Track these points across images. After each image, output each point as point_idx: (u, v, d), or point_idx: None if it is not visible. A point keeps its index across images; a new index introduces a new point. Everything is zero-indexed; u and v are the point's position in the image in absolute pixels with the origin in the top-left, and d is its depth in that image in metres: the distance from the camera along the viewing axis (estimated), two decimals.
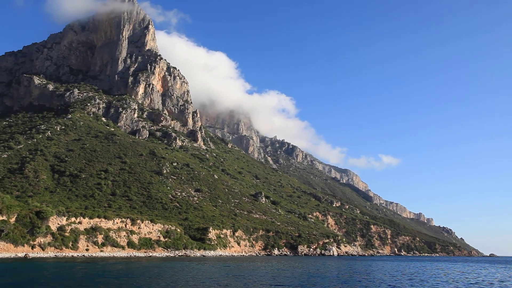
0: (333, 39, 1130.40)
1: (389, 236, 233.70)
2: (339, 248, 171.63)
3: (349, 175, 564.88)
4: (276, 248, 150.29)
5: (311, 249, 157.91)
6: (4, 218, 75.27)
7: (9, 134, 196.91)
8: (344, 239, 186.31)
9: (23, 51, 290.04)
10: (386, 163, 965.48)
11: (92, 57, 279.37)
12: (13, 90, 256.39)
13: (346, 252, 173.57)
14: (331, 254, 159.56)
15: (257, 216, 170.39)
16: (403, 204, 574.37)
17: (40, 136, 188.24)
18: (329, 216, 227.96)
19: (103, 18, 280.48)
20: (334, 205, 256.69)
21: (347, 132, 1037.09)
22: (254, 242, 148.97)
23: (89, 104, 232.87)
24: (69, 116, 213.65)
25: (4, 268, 54.63)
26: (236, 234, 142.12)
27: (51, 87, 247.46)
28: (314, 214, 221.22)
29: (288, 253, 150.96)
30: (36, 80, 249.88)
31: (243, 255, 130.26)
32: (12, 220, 76.72)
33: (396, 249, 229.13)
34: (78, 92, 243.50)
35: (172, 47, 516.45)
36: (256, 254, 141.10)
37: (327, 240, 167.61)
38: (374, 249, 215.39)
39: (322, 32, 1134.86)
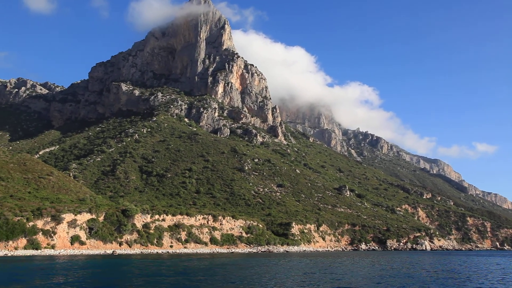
0: (411, 30, 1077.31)
1: (488, 229, 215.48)
2: (432, 242, 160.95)
3: (439, 165, 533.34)
4: (363, 243, 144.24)
5: (401, 244, 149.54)
6: (94, 216, 78.62)
7: (102, 139, 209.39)
8: (437, 233, 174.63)
9: (111, 61, 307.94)
10: (481, 151, 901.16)
11: (173, 61, 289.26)
12: (104, 98, 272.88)
13: (440, 247, 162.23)
14: (424, 248, 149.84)
15: (342, 210, 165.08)
16: (503, 195, 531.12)
17: (129, 139, 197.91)
18: (419, 209, 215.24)
19: (181, 22, 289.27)
20: (424, 197, 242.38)
21: (436, 121, 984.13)
22: (339, 236, 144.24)
23: (172, 106, 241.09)
24: (154, 118, 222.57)
25: (95, 264, 56.37)
26: (321, 229, 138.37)
27: (137, 92, 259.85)
28: (403, 206, 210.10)
29: (376, 247, 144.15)
30: (124, 87, 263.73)
31: (329, 251, 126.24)
32: (101, 218, 79.96)
33: (498, 243, 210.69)
34: (162, 96, 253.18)
35: (250, 45, 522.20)
36: (342, 249, 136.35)
37: (419, 234, 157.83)
38: (472, 243, 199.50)
39: (402, 25, 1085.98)
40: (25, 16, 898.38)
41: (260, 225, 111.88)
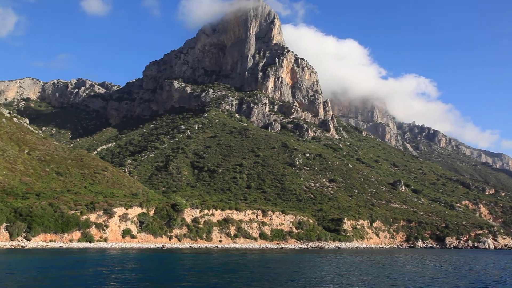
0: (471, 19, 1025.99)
1: None
2: (496, 240, 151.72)
3: (503, 159, 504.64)
4: (420, 240, 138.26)
5: (461, 241, 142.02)
6: (144, 211, 79.82)
7: (155, 135, 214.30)
8: (501, 231, 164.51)
9: (164, 59, 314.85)
10: None
11: (224, 57, 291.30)
12: (158, 96, 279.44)
13: (505, 245, 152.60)
14: (486, 247, 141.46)
15: (397, 205, 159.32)
16: None
17: (181, 135, 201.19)
18: (481, 205, 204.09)
19: (231, 18, 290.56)
20: (486, 193, 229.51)
21: (499, 112, 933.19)
22: (394, 233, 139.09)
23: (223, 102, 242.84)
24: (206, 115, 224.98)
25: (146, 257, 56.88)
26: (374, 225, 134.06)
27: (188, 89, 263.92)
28: (463, 202, 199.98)
29: (434, 245, 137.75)
30: (176, 84, 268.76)
31: (383, 247, 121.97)
32: (151, 212, 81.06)
33: None
34: (213, 92, 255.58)
35: (300, 39, 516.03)
36: (397, 246, 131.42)
37: (481, 232, 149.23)
38: None
39: (459, 15, 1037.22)
40: (82, 19, 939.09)
41: (311, 221, 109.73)
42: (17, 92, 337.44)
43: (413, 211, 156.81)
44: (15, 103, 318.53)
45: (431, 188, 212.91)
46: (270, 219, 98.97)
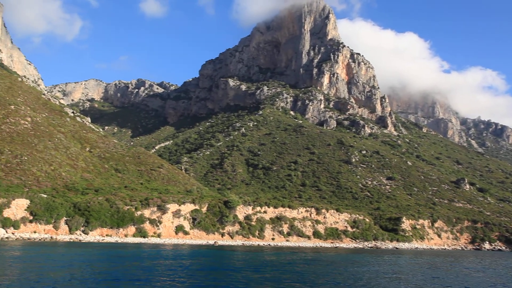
0: None
1: None
2: None
3: None
4: (487, 242, 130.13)
5: None
6: (197, 207, 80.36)
7: (211, 133, 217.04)
8: None
9: (219, 58, 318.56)
10: None
11: (278, 54, 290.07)
12: (213, 94, 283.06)
13: None
14: None
15: (460, 205, 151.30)
16: None
17: (236, 133, 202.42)
18: None
19: (285, 14, 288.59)
20: None
21: None
22: (458, 234, 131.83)
23: (277, 100, 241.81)
24: (260, 112, 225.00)
25: (199, 253, 57.03)
26: (436, 225, 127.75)
27: (243, 87, 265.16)
28: None
29: (503, 247, 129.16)
30: (231, 82, 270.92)
31: (445, 249, 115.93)
32: (204, 209, 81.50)
33: None
34: (267, 89, 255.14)
35: (356, 34, 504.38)
36: (461, 248, 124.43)
37: None
38: None
39: None
40: (142, 21, 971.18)
41: (367, 219, 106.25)
42: (83, 93, 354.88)
43: (478, 211, 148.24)
44: (80, 104, 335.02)
45: (499, 187, 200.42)
46: (324, 217, 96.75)
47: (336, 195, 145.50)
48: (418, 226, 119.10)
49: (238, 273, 37.53)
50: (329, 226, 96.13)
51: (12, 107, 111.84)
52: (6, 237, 58.56)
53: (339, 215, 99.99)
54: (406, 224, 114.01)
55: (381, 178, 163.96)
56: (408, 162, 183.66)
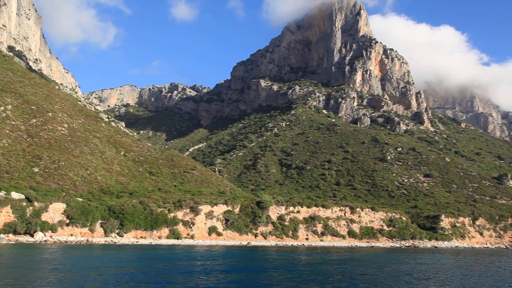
0: None
1: None
2: None
3: None
4: None
5: None
6: (229, 208, 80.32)
7: (244, 134, 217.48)
8: None
9: (250, 59, 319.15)
10: None
11: (309, 53, 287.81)
12: (245, 95, 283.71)
13: None
14: None
15: (504, 201, 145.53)
16: None
17: (268, 133, 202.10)
18: None
19: (315, 13, 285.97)
20: None
21: None
22: (501, 232, 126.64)
23: (309, 99, 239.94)
24: (292, 112, 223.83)
25: (233, 254, 56.87)
26: (477, 222, 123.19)
27: (275, 87, 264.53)
28: None
29: None
30: (263, 83, 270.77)
31: (487, 247, 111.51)
32: (236, 210, 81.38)
33: None
34: (299, 89, 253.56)
35: (389, 29, 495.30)
36: (506, 246, 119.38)
37: None
38: None
39: None
40: (172, 26, 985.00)
41: (404, 218, 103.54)
42: (118, 98, 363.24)
43: None
44: (116, 109, 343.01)
45: None
46: (359, 216, 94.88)
47: (371, 194, 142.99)
48: (458, 224, 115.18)
49: (273, 273, 37.07)
50: (364, 225, 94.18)
51: (50, 114, 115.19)
52: (44, 240, 60.11)
53: (374, 213, 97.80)
54: (445, 222, 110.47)
55: (418, 175, 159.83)
56: (446, 158, 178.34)
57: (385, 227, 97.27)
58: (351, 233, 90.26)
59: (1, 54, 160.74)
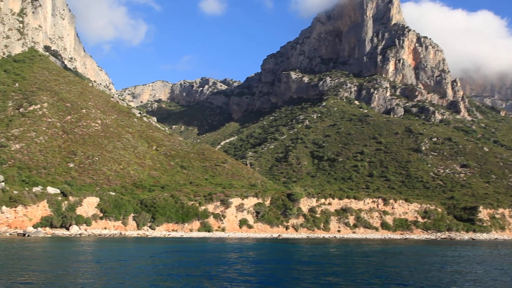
0: None
1: None
2: None
3: None
4: None
5: None
6: (260, 201, 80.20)
7: (275, 127, 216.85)
8: None
9: (280, 51, 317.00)
10: None
11: (340, 44, 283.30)
12: (276, 88, 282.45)
13: None
14: None
15: None
16: None
17: (300, 125, 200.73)
18: None
19: (346, 2, 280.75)
20: None
21: None
22: None
23: (341, 90, 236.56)
24: (324, 103, 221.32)
25: (264, 246, 56.77)
26: None
27: (306, 79, 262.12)
28: None
29: None
30: (293, 75, 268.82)
31: None
32: (267, 202, 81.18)
33: None
34: (330, 80, 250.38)
35: (423, 16, 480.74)
36: None
37: None
38: None
39: None
40: (202, 20, 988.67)
41: (439, 209, 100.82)
42: (150, 94, 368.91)
43: None
44: (149, 105, 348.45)
45: None
46: (392, 208, 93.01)
47: (405, 185, 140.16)
48: (497, 216, 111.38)
49: (304, 266, 36.65)
50: (397, 217, 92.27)
51: (84, 111, 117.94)
52: (79, 234, 61.63)
53: (408, 205, 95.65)
54: (483, 213, 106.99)
55: (455, 166, 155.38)
56: (484, 148, 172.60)
57: (420, 219, 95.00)
58: (384, 225, 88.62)
59: (37, 54, 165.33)
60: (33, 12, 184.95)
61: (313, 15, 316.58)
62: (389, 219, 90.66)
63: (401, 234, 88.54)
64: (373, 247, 61.25)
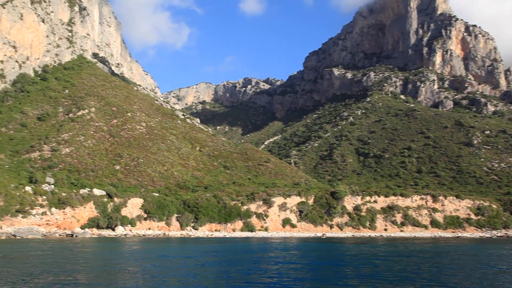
0: None
1: None
2: None
3: None
4: None
5: None
6: (303, 200, 78.99)
7: (319, 125, 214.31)
8: None
9: (322, 48, 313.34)
10: None
11: (383, 37, 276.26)
12: (319, 85, 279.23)
13: None
14: None
15: None
16: None
17: (344, 122, 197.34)
18: None
19: None
20: None
21: None
22: None
23: (385, 84, 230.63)
24: (368, 99, 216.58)
25: (309, 246, 55.85)
26: None
27: (349, 75, 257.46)
28: None
29: None
30: (336, 72, 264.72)
31: None
32: (310, 201, 79.86)
33: None
34: (374, 75, 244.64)
35: (472, 4, 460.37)
36: None
37: None
38: None
39: None
40: (242, 21, 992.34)
41: (494, 206, 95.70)
42: (194, 96, 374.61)
43: None
44: (193, 107, 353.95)
45: None
46: (442, 205, 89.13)
47: (457, 181, 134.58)
48: None
49: (351, 266, 35.48)
50: (448, 214, 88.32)
51: (129, 114, 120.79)
52: (124, 234, 62.88)
53: (459, 202, 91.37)
54: None
55: (511, 159, 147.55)
56: None
57: (473, 216, 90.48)
58: (434, 223, 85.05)
59: (85, 61, 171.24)
60: (81, 21, 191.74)
61: (354, 9, 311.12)
62: (439, 217, 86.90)
63: (453, 232, 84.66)
64: (424, 245, 58.81)
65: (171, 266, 33.34)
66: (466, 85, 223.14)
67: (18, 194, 62.43)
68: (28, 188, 65.43)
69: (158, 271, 29.96)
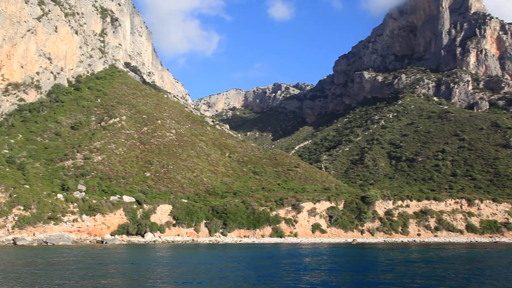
0: None
1: None
2: None
3: None
4: None
5: None
6: (333, 204, 77.89)
7: (349, 129, 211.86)
8: None
9: (352, 52, 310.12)
10: None
11: (415, 39, 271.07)
12: (349, 89, 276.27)
13: None
14: None
15: None
16: None
17: (375, 126, 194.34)
18: None
19: None
20: None
21: None
22: None
23: (417, 86, 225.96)
24: (399, 102, 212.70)
25: (340, 252, 54.97)
26: None
27: (380, 78, 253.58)
28: None
29: None
30: (366, 75, 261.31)
31: None
32: (340, 206, 78.67)
33: None
34: (406, 77, 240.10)
35: (508, 1, 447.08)
36: None
37: None
38: None
39: None
40: (271, 26, 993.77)
41: None
42: (225, 103, 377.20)
43: None
44: (224, 113, 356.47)
45: None
46: (478, 209, 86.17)
47: (494, 184, 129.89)
48: None
49: (384, 273, 34.50)
50: (485, 218, 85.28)
51: (159, 121, 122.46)
52: (154, 240, 63.46)
53: (496, 205, 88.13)
54: None
55: None
56: None
57: (511, 220, 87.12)
58: (470, 228, 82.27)
59: (117, 70, 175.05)
60: (113, 32, 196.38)
61: (384, 12, 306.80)
62: (475, 221, 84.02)
63: (490, 237, 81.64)
64: (460, 251, 56.89)
65: (208, 271, 33.40)
66: (503, 85, 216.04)
67: (50, 201, 64.11)
68: (60, 196, 67.09)
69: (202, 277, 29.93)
